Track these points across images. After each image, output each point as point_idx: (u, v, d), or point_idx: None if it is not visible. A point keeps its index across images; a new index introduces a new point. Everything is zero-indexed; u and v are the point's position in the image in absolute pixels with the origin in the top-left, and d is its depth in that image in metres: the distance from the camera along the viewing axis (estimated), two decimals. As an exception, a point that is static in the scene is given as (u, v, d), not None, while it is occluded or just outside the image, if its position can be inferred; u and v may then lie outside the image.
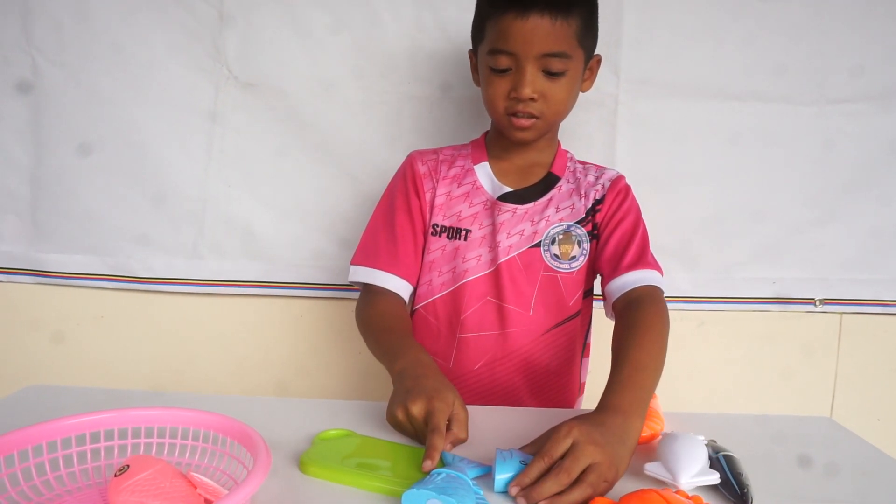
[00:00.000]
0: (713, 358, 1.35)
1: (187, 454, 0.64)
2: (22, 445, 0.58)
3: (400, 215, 1.02)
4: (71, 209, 1.27)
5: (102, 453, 0.63)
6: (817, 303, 1.33)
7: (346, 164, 1.27)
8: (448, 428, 0.71)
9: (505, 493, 0.62)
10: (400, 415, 0.73)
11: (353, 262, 1.01)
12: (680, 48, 1.25)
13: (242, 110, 1.26)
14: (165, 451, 0.64)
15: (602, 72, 1.24)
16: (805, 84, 1.26)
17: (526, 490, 0.60)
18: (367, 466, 0.65)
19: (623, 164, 1.27)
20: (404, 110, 1.26)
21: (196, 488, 0.56)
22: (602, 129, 1.27)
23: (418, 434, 0.73)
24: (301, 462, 0.65)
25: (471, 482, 0.59)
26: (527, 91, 0.90)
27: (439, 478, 0.59)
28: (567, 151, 1.07)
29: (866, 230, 1.31)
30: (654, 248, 1.26)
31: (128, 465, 0.56)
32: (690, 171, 1.29)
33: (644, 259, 0.96)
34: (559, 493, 0.59)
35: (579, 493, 0.60)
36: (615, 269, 0.95)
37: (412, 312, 1.04)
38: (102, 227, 1.28)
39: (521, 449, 0.68)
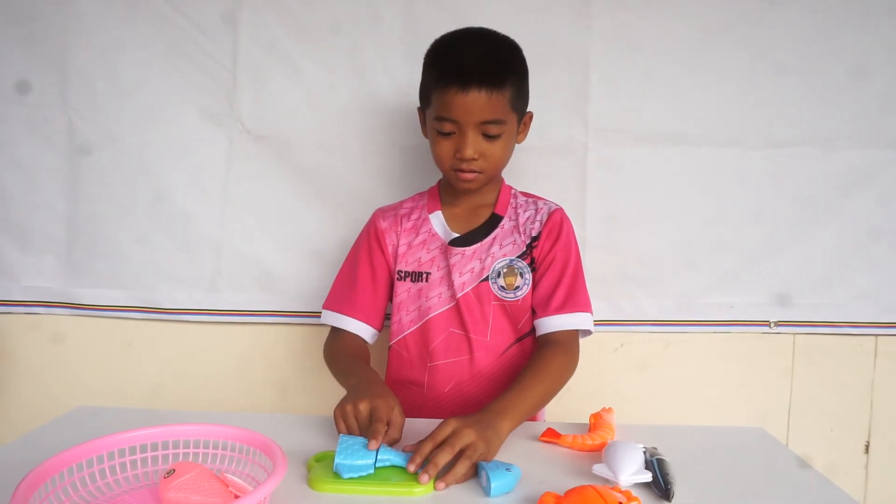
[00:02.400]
0: (678, 376, 1.49)
1: (218, 461, 0.79)
2: (86, 456, 0.73)
3: (362, 267, 1.18)
4: (102, 250, 1.43)
5: (150, 461, 0.77)
6: (772, 324, 1.47)
7: (346, 206, 1.43)
8: (385, 431, 0.86)
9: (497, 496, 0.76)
10: (349, 408, 0.88)
11: (323, 307, 1.18)
12: (642, 99, 1.41)
13: (254, 160, 1.42)
14: (200, 459, 0.79)
15: (573, 121, 1.42)
16: (753, 129, 1.41)
17: (425, 466, 0.78)
18: (370, 476, 0.79)
19: (593, 203, 1.43)
20: (397, 158, 1.43)
21: (228, 486, 0.71)
22: (573, 173, 1.43)
23: (357, 427, 0.88)
24: (311, 481, 0.78)
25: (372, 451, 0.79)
26: (469, 152, 1.05)
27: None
28: (511, 188, 1.21)
29: (815, 259, 1.45)
30: (623, 277, 1.43)
31: (174, 469, 0.70)
32: (654, 208, 1.44)
33: (571, 301, 1.10)
34: (447, 472, 0.78)
35: (461, 466, 0.79)
36: (543, 310, 1.10)
37: (388, 348, 1.20)
38: (130, 265, 1.43)
39: (403, 449, 0.84)
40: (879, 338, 1.50)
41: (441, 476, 0.78)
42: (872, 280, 1.45)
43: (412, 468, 0.79)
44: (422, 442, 0.83)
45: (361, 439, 0.82)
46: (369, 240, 1.20)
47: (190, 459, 0.78)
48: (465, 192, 1.14)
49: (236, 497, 0.70)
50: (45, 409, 1.11)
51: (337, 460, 0.78)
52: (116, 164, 1.41)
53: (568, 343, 1.08)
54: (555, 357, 1.05)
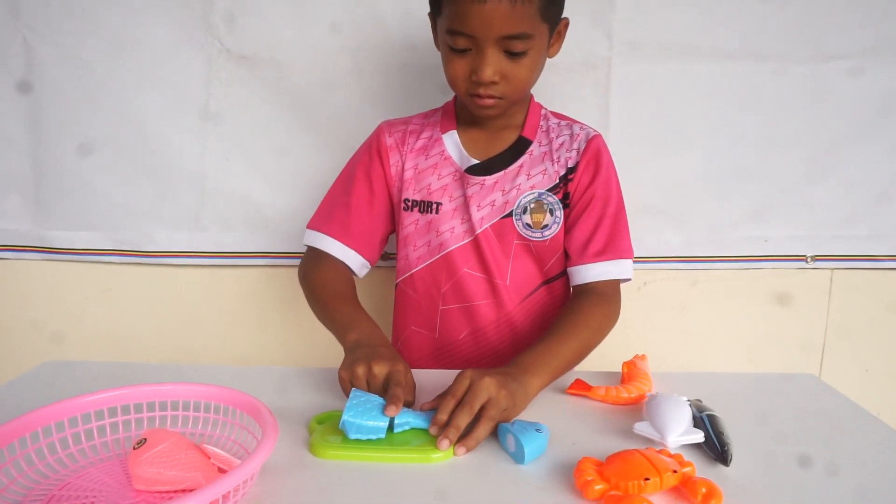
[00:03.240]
0: (706, 316, 1.39)
1: (200, 425, 0.68)
2: (45, 422, 0.62)
3: (359, 185, 1.01)
4: (72, 187, 1.29)
5: (121, 427, 0.67)
6: (808, 259, 1.35)
7: (341, 133, 1.27)
8: None
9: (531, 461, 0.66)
10: (360, 370, 0.75)
11: (309, 226, 1.02)
12: (672, 9, 1.24)
13: (237, 84, 1.26)
14: (179, 423, 0.68)
15: (595, 35, 1.26)
16: (797, 41, 1.25)
17: (445, 429, 0.67)
18: (380, 441, 0.68)
19: (616, 126, 1.28)
20: (397, 78, 1.27)
21: (209, 458, 0.60)
22: (595, 92, 1.27)
23: (370, 390, 0.76)
24: (312, 446, 0.67)
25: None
26: (487, 74, 0.87)
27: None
28: (540, 106, 1.04)
29: (855, 187, 1.32)
30: (647, 209, 1.30)
31: (145, 439, 0.60)
32: (683, 132, 1.30)
33: (611, 247, 0.96)
34: (467, 435, 0.67)
35: (483, 429, 0.68)
36: (580, 256, 0.96)
37: (395, 286, 1.07)
38: (105, 204, 1.30)
39: (421, 408, 0.74)
40: (922, 271, 1.38)
41: (461, 439, 0.68)
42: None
43: (434, 430, 0.69)
44: (442, 398, 0.72)
45: (377, 398, 0.71)
46: (370, 154, 1.03)
47: (167, 424, 0.68)
48: (488, 118, 0.97)
49: (220, 471, 0.59)
50: (16, 364, 1.01)
51: (345, 417, 0.67)
52: (81, 91, 1.25)
53: (608, 293, 0.96)
54: (594, 308, 0.92)
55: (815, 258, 1.35)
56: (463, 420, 0.68)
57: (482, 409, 0.70)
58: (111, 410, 0.67)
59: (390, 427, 0.70)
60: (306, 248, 1.03)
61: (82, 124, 1.26)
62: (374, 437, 0.68)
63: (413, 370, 0.81)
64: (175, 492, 0.58)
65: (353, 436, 0.67)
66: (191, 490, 0.57)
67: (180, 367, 0.93)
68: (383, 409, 0.69)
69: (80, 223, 1.31)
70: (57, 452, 0.63)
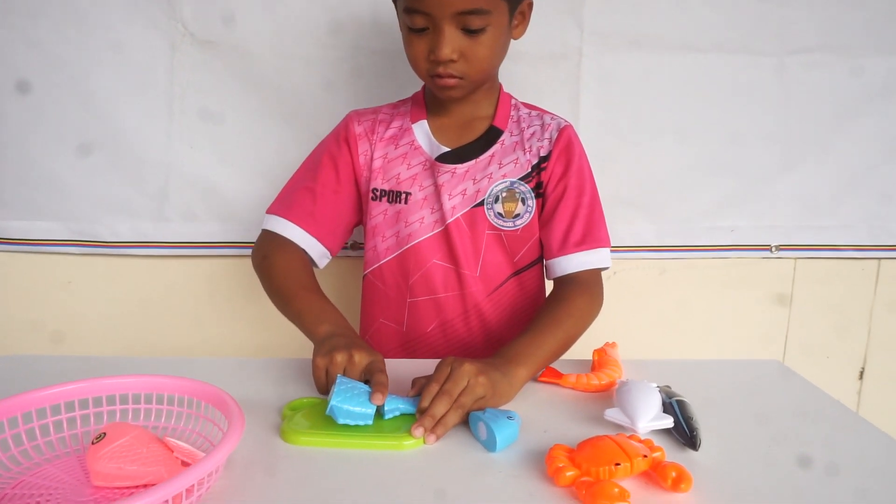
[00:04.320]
0: (673, 304, 1.40)
1: (163, 418, 0.66)
2: (-2, 418, 0.60)
3: (325, 172, 0.99)
4: (29, 176, 1.24)
5: (79, 422, 0.64)
6: (773, 249, 1.38)
7: (311, 122, 1.25)
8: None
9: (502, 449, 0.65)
10: (340, 358, 0.74)
11: (269, 211, 0.99)
12: (643, 0, 1.25)
13: (202, 69, 1.23)
14: (142, 417, 0.66)
15: (566, 25, 1.25)
16: (765, 35, 1.27)
17: (422, 419, 0.67)
18: (354, 428, 0.67)
19: (586, 117, 1.28)
20: (366, 65, 1.25)
21: (173, 452, 0.58)
22: (566, 82, 1.27)
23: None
24: (284, 432, 0.66)
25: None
26: (444, 52, 0.85)
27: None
28: (510, 97, 1.04)
29: (820, 179, 1.35)
30: (616, 200, 1.30)
31: (104, 433, 0.57)
32: (653, 123, 1.31)
33: (590, 236, 0.96)
34: (438, 421, 0.67)
35: (452, 416, 0.68)
36: (560, 247, 0.96)
37: (362, 279, 1.05)
38: (64, 193, 1.25)
39: (408, 394, 0.74)
40: (882, 261, 1.42)
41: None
42: (882, 200, 1.36)
43: (416, 427, 0.67)
44: (426, 385, 0.71)
45: (363, 385, 0.70)
46: (338, 142, 1.01)
47: (128, 418, 0.66)
48: (449, 100, 0.96)
49: (183, 465, 0.57)
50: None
51: (333, 402, 0.66)
52: (37, 74, 1.20)
53: (591, 282, 0.95)
54: (577, 298, 0.92)
55: (779, 248, 1.38)
56: (440, 408, 0.68)
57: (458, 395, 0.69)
58: (68, 405, 0.64)
59: (380, 413, 0.69)
60: (262, 231, 0.99)
61: (38, 110, 1.22)
62: (362, 423, 0.67)
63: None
64: (136, 487, 0.56)
65: (341, 421, 0.66)
66: (152, 485, 0.55)
67: (146, 360, 0.90)
68: (370, 397, 0.68)
69: (36, 213, 1.26)
70: (10, 449, 0.60)
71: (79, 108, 1.22)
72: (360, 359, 0.74)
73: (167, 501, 0.48)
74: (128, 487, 0.56)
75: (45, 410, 0.63)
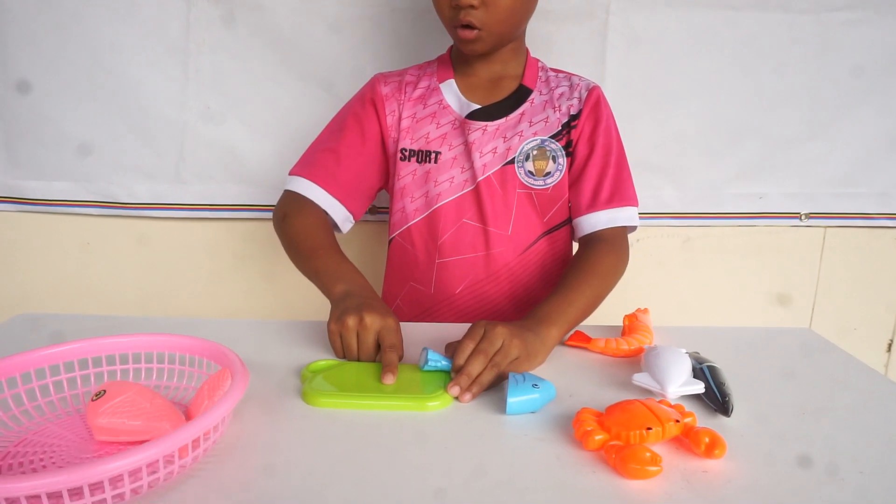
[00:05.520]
0: (698, 273, 1.38)
1: (165, 377, 0.65)
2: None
3: (349, 134, 0.97)
4: (46, 135, 1.22)
5: (79, 382, 0.63)
6: (802, 217, 1.34)
7: (327, 81, 1.22)
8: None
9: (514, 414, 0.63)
10: (351, 322, 0.72)
11: (292, 172, 0.97)
12: (675, -47, 1.20)
13: (218, 26, 1.20)
14: (143, 376, 0.65)
15: (593, -20, 1.20)
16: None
17: (458, 377, 0.66)
18: (375, 389, 0.66)
19: (612, 78, 1.24)
20: (386, 24, 1.21)
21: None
22: (591, 41, 1.23)
23: (353, 344, 0.73)
24: (305, 394, 0.65)
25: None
26: None
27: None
28: (538, 60, 1.02)
29: (852, 145, 1.30)
30: (643, 164, 1.26)
31: (104, 391, 0.55)
32: (681, 85, 1.26)
33: (619, 194, 0.95)
34: (474, 380, 0.66)
35: (487, 374, 0.67)
36: (589, 205, 0.95)
37: (389, 241, 1.03)
38: (80, 153, 1.23)
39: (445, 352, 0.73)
40: (915, 230, 1.38)
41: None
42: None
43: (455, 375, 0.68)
44: (461, 343, 0.70)
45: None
46: (363, 104, 0.99)
47: (130, 377, 0.64)
48: (472, 55, 0.94)
49: (188, 418, 0.57)
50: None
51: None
52: (54, 34, 1.18)
53: (617, 240, 0.94)
54: (604, 257, 0.90)
55: (808, 216, 1.34)
56: (475, 367, 0.67)
57: (494, 354, 0.68)
58: (67, 365, 0.63)
59: (419, 365, 0.71)
60: (284, 192, 0.97)
61: (55, 69, 1.20)
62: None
63: (406, 324, 0.78)
64: (140, 442, 0.53)
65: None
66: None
67: (161, 321, 0.89)
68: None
69: (54, 173, 1.25)
70: (10, 409, 0.59)
71: (93, 66, 1.20)
72: (372, 321, 0.73)
73: (173, 454, 0.47)
74: (132, 443, 0.55)
75: (45, 371, 0.62)
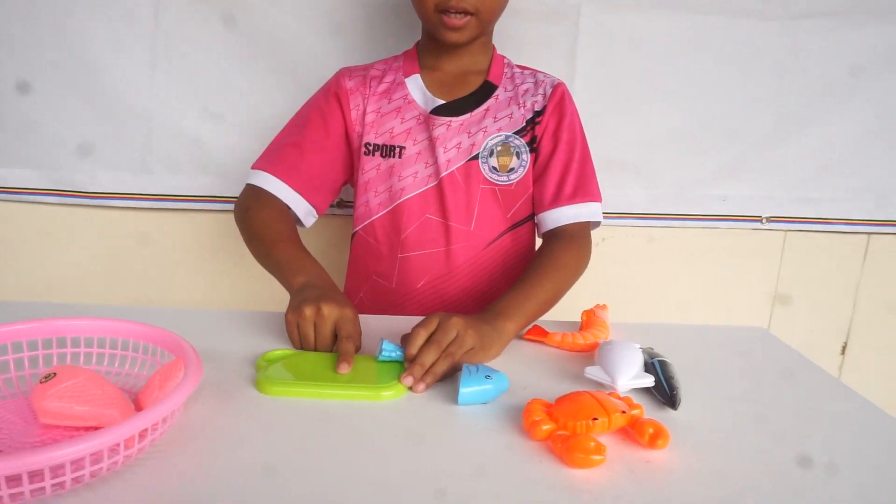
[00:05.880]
0: (660, 272, 1.40)
1: (116, 363, 0.64)
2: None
3: (313, 128, 0.97)
4: (6, 121, 1.20)
5: (27, 363, 0.62)
6: (764, 220, 1.37)
7: (299, 72, 1.22)
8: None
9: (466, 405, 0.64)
10: (308, 312, 0.72)
11: (254, 166, 0.97)
12: (644, -43, 1.22)
13: (187, 15, 1.19)
14: (94, 361, 0.64)
15: (564, -19, 1.22)
16: (769, -2, 1.24)
17: (410, 365, 0.66)
18: (330, 378, 0.66)
19: (582, 77, 1.26)
20: (359, 16, 1.21)
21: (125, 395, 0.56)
22: (563, 41, 1.24)
23: (310, 334, 0.73)
24: (258, 382, 0.65)
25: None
26: None
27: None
28: (503, 57, 1.03)
29: (815, 151, 1.33)
30: (611, 164, 1.28)
31: (54, 374, 0.54)
32: (650, 87, 1.28)
33: (582, 189, 0.96)
34: (428, 371, 0.67)
35: (441, 364, 0.67)
36: (553, 200, 0.96)
37: (352, 235, 1.03)
38: (44, 141, 1.21)
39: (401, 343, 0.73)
40: (872, 236, 1.42)
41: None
42: (876, 176, 1.35)
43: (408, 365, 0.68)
44: (413, 332, 0.70)
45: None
46: (328, 98, 0.99)
47: (80, 362, 0.63)
48: (453, 45, 0.93)
49: (138, 408, 0.56)
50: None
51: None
52: (14, 14, 1.16)
53: (579, 236, 0.95)
54: (566, 252, 0.91)
55: (770, 219, 1.37)
56: (429, 357, 0.67)
57: (448, 345, 0.69)
58: (15, 346, 0.61)
59: (374, 356, 0.71)
60: (246, 186, 0.97)
61: (16, 51, 1.17)
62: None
63: (366, 316, 0.78)
64: (86, 429, 0.53)
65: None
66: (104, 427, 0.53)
67: (116, 308, 0.88)
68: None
69: (14, 160, 1.22)
70: None
71: (58, 53, 1.18)
72: (329, 312, 0.72)
73: (119, 445, 0.47)
74: (77, 428, 0.54)
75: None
